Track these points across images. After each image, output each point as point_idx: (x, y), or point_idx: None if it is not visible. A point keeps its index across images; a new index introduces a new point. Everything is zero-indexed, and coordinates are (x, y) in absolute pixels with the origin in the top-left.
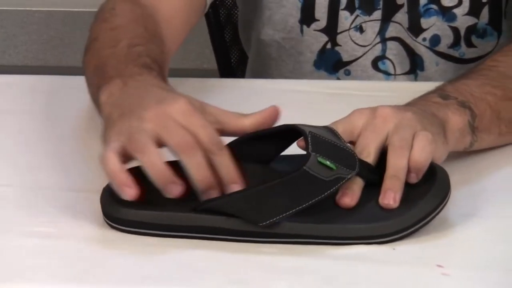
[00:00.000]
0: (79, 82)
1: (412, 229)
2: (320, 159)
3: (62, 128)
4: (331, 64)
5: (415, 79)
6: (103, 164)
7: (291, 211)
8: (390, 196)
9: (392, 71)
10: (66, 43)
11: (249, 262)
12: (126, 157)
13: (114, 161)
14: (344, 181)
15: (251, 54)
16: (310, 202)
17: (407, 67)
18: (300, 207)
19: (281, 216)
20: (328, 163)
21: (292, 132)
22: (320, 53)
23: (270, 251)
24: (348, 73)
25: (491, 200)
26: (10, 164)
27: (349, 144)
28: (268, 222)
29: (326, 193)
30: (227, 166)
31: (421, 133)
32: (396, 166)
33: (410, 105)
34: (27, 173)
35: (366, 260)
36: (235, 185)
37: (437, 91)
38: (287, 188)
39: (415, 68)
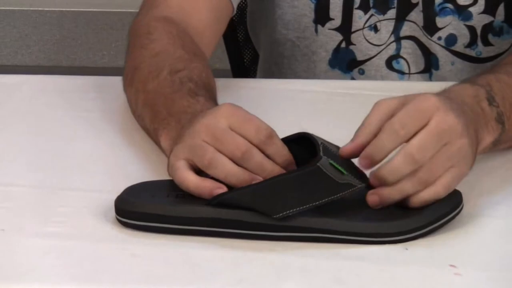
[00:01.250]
0: (91, 82)
1: (422, 231)
2: (331, 161)
3: (73, 128)
4: (346, 63)
5: (430, 78)
6: (183, 184)
7: (304, 206)
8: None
9: (406, 70)
10: (78, 43)
11: (258, 262)
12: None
13: (191, 177)
14: (354, 188)
15: (262, 54)
16: (323, 200)
17: (421, 66)
18: (314, 204)
19: (294, 210)
20: (338, 167)
21: (304, 140)
22: (335, 52)
23: (280, 251)
24: (362, 72)
25: (504, 201)
26: (23, 164)
27: None
28: (281, 214)
29: (338, 195)
30: (280, 154)
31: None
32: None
33: (460, 101)
34: (38, 173)
35: (378, 260)
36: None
37: (485, 86)
38: (301, 182)
39: (429, 67)
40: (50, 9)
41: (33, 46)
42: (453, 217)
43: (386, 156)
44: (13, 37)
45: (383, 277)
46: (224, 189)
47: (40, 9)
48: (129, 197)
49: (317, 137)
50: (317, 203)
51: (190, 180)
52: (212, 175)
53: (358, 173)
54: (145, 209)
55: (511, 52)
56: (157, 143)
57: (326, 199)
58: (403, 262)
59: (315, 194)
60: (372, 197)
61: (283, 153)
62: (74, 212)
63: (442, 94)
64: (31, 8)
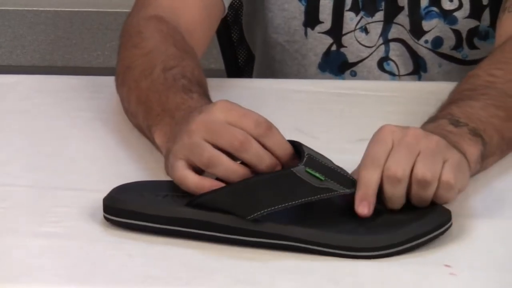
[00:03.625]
0: (86, 82)
1: (396, 249)
2: (308, 169)
3: (68, 128)
4: (337, 65)
5: (419, 80)
6: (184, 184)
7: (276, 207)
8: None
9: (396, 72)
10: (73, 43)
11: (255, 262)
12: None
13: (191, 176)
14: (336, 193)
15: (257, 55)
16: (296, 201)
17: (410, 68)
18: (286, 204)
19: (266, 210)
20: (316, 174)
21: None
22: (325, 56)
23: (275, 251)
24: (354, 74)
25: (500, 201)
26: (17, 164)
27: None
28: (254, 215)
29: (314, 197)
30: (279, 145)
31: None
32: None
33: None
34: (34, 172)
35: (372, 260)
36: (290, 162)
37: (446, 116)
38: (275, 184)
39: (418, 69)
40: (45, 9)
41: (28, 46)
42: (441, 233)
43: (376, 189)
44: (8, 37)
45: (378, 277)
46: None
47: (35, 9)
48: (115, 195)
49: (306, 147)
50: (291, 203)
51: (190, 180)
52: (212, 173)
53: (340, 179)
54: (128, 207)
55: (465, 77)
56: (151, 140)
57: (300, 200)
58: (398, 262)
59: (289, 196)
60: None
61: (284, 145)
62: (69, 212)
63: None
64: (26, 8)
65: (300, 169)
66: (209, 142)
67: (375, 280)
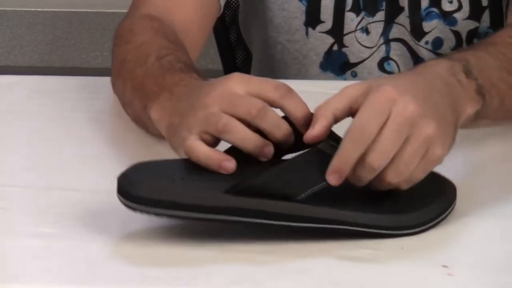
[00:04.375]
0: (84, 83)
1: (432, 223)
2: (332, 142)
3: (66, 129)
4: (338, 65)
5: None
6: (191, 152)
7: (321, 184)
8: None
9: (397, 72)
10: (71, 43)
11: (255, 262)
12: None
13: (201, 147)
14: None
15: (255, 54)
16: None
17: (411, 68)
18: (324, 183)
19: (314, 187)
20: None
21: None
22: (327, 55)
23: (273, 251)
24: (355, 75)
25: (498, 201)
26: (15, 165)
27: None
28: (303, 195)
29: None
30: (300, 107)
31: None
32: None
33: (430, 77)
34: (31, 173)
35: (372, 260)
36: (314, 124)
37: (462, 60)
38: (308, 163)
39: None
40: (43, 9)
41: (26, 46)
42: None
43: (353, 166)
44: (6, 37)
45: (376, 277)
46: (233, 162)
47: (33, 9)
48: (135, 178)
49: None
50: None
51: (200, 150)
52: (227, 140)
53: None
54: (156, 195)
55: (493, 32)
56: (147, 122)
57: None
58: (396, 262)
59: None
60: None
61: (303, 107)
62: (67, 213)
63: (410, 73)
64: (24, 9)
65: (325, 145)
66: (226, 113)
67: (373, 281)
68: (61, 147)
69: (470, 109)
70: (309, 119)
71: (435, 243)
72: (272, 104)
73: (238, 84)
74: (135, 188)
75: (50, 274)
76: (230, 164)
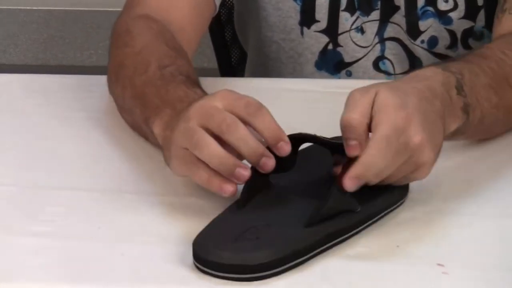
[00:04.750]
0: (79, 81)
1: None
2: None
3: (60, 127)
4: (333, 64)
5: None
6: (205, 150)
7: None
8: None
9: (392, 71)
10: (66, 42)
11: None
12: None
13: (214, 144)
14: None
15: (250, 53)
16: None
17: (406, 67)
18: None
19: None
20: None
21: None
22: (322, 54)
23: None
24: (349, 74)
25: (492, 200)
26: (10, 163)
27: None
28: (360, 206)
29: None
30: (269, 126)
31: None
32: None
33: (426, 89)
34: (27, 172)
35: (366, 258)
36: (283, 143)
37: (456, 73)
38: None
39: (414, 68)
40: (38, 8)
41: (20, 45)
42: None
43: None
44: (0, 35)
45: (370, 276)
46: (246, 168)
47: (27, 8)
48: (226, 255)
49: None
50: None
51: (214, 148)
52: (198, 156)
53: None
54: (255, 261)
55: (487, 43)
56: (147, 133)
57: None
58: (390, 260)
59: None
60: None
61: (272, 126)
62: (62, 211)
63: (409, 81)
64: (19, 7)
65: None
66: (202, 127)
67: (368, 279)
68: (57, 146)
69: (453, 125)
70: (279, 136)
71: (430, 241)
72: (243, 121)
73: (219, 100)
74: (216, 256)
75: (48, 273)
76: (228, 187)
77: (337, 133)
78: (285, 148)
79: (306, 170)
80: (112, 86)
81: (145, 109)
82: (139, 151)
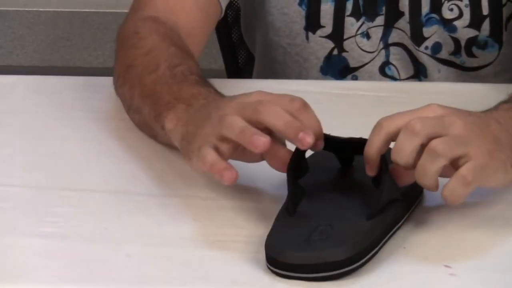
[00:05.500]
0: (86, 83)
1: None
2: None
3: (68, 129)
4: (338, 70)
5: None
6: (202, 161)
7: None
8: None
9: (397, 76)
10: (73, 43)
11: (251, 263)
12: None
13: (210, 153)
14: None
15: (257, 56)
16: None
17: (411, 72)
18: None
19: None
20: None
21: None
22: (327, 59)
23: None
24: (355, 79)
25: (500, 202)
26: (16, 164)
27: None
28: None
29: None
30: (313, 122)
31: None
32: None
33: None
34: (32, 173)
35: (373, 259)
36: (321, 141)
37: None
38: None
39: (418, 74)
40: (45, 9)
41: (27, 46)
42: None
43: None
44: (7, 37)
45: (377, 277)
46: (233, 172)
47: (34, 9)
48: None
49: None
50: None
51: (208, 158)
52: (237, 140)
53: None
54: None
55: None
56: (157, 130)
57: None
58: (397, 261)
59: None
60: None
61: (316, 123)
62: (68, 212)
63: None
64: (26, 9)
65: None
66: (240, 116)
67: (375, 280)
68: (62, 147)
69: None
70: (321, 134)
71: (437, 243)
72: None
73: (255, 96)
74: (288, 258)
75: (54, 274)
76: (229, 174)
77: (342, 135)
78: (320, 145)
79: (317, 172)
80: (119, 87)
81: (156, 105)
82: (146, 152)
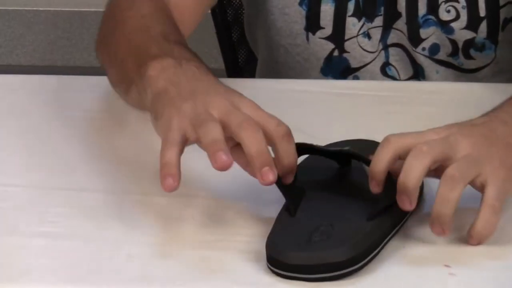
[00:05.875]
0: (85, 82)
1: None
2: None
3: (68, 128)
4: (339, 71)
5: None
6: (162, 152)
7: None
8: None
9: (397, 77)
10: (72, 43)
11: (252, 263)
12: (186, 139)
13: (172, 152)
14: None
15: (260, 56)
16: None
17: (410, 73)
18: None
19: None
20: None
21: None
22: (327, 61)
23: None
24: (357, 79)
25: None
26: (16, 164)
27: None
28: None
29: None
30: (290, 155)
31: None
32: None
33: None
34: (32, 173)
35: (372, 261)
36: (290, 175)
37: None
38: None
39: (417, 74)
40: (45, 9)
41: (27, 46)
42: None
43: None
44: (7, 37)
45: (377, 277)
46: (176, 182)
47: (34, 9)
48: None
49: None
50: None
51: (169, 154)
52: (202, 146)
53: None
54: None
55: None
56: (134, 80)
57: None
58: (397, 261)
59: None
60: (435, 227)
61: (293, 158)
62: (68, 212)
63: (487, 118)
64: (26, 8)
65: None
66: (220, 119)
67: (374, 280)
68: (63, 147)
69: None
70: (292, 169)
71: (437, 242)
72: (268, 137)
73: (245, 107)
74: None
75: (53, 274)
76: (171, 182)
77: (342, 134)
78: (290, 179)
79: (315, 173)
80: (102, 46)
81: (141, 56)
82: (147, 152)
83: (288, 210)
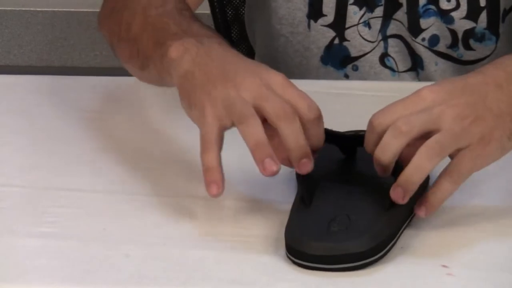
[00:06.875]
0: (83, 82)
1: None
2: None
3: (65, 128)
4: (339, 59)
5: (417, 77)
6: (202, 154)
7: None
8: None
9: (395, 68)
10: (70, 43)
11: (251, 263)
12: (223, 128)
13: (213, 155)
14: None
15: (258, 47)
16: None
17: (408, 65)
18: None
19: None
20: None
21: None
22: (327, 49)
23: (272, 251)
24: (356, 69)
25: (498, 201)
26: (14, 164)
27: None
28: None
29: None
30: (319, 137)
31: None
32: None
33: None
34: (31, 173)
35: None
36: (311, 163)
37: None
38: None
39: (415, 66)
40: (43, 9)
41: (25, 46)
42: None
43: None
44: (5, 37)
45: (375, 277)
46: (220, 188)
47: (32, 9)
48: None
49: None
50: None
51: (210, 157)
52: (239, 130)
53: None
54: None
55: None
56: (154, 59)
57: None
58: (395, 262)
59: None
60: (396, 191)
61: (321, 139)
62: (67, 212)
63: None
64: (23, 8)
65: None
66: (254, 103)
67: (372, 281)
68: (61, 147)
69: None
70: (320, 148)
71: (435, 242)
72: (300, 119)
73: (277, 85)
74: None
75: (49, 274)
76: (217, 189)
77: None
78: (310, 167)
79: (324, 164)
80: (109, 20)
81: (159, 34)
82: (146, 152)
83: (303, 201)
